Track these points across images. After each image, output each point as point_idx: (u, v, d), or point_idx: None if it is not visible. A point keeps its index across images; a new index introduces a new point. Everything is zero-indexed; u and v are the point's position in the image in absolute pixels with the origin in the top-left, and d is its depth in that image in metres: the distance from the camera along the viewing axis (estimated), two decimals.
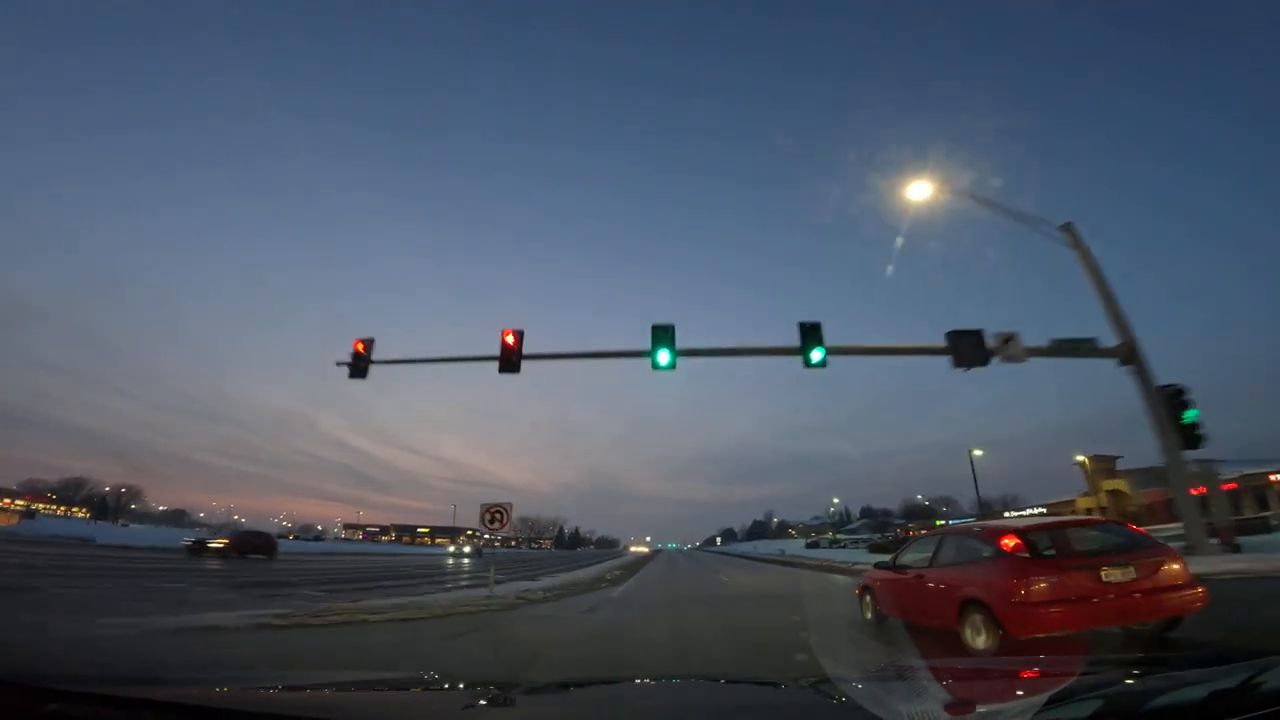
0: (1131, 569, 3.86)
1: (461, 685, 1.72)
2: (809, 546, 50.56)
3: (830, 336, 10.46)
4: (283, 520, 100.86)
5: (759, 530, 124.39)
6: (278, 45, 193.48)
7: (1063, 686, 1.02)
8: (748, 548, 74.39)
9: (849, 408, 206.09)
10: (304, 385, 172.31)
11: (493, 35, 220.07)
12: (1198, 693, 0.96)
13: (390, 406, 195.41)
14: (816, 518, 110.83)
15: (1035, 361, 10.44)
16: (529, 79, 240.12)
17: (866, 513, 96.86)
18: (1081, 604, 3.77)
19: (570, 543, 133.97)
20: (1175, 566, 3.96)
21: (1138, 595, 3.80)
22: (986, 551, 4.32)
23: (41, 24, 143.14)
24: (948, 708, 1.06)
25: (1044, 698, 0.93)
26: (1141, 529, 4.72)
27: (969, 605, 4.22)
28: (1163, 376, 10.09)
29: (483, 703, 1.35)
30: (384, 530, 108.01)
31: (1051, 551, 4.03)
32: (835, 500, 59.93)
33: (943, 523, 52.58)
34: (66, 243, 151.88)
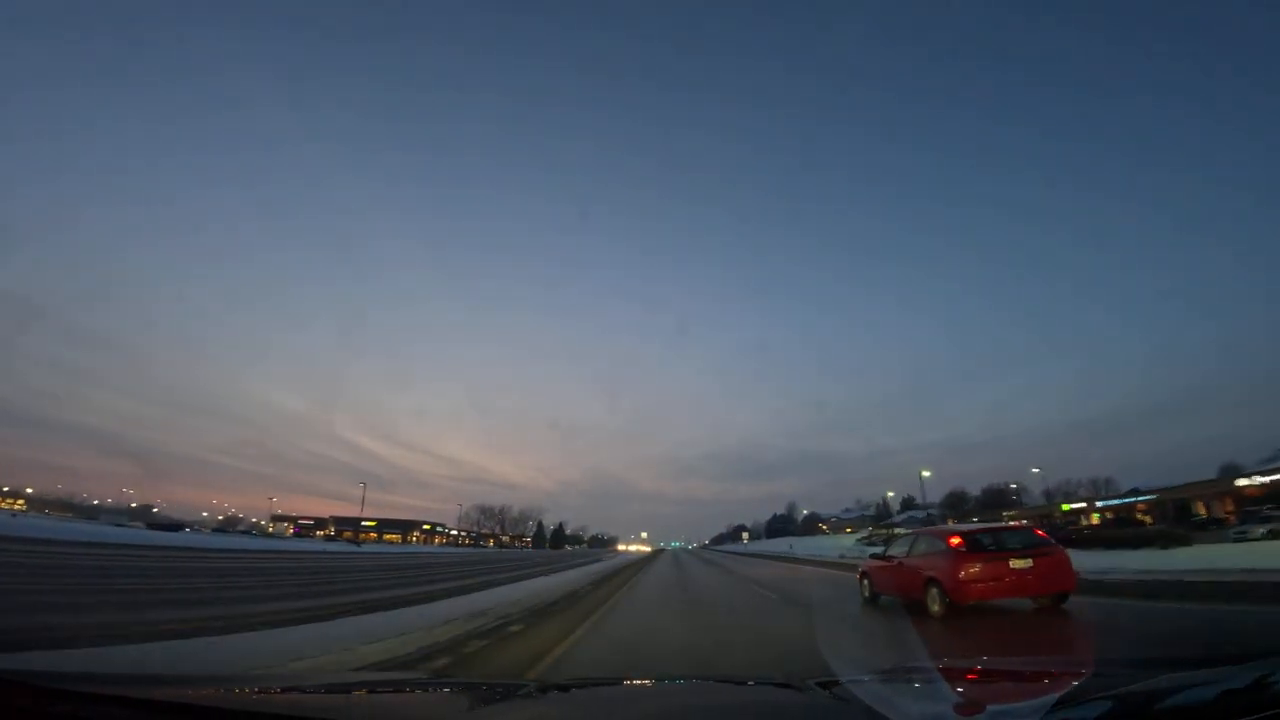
0: (1030, 560, 7.65)
1: (467, 685, 2.14)
2: (881, 544, 53.23)
3: None
4: (216, 514, 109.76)
5: (781, 526, 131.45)
6: (281, 41, 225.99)
7: (1073, 687, 1.31)
8: (780, 546, 68.57)
9: (850, 405, 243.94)
10: (311, 385, 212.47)
11: (501, 34, 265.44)
12: (1208, 692, 1.16)
13: (394, 405, 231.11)
14: (848, 510, 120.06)
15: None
16: (535, 76, 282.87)
17: (910, 505, 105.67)
18: (996, 582, 7.56)
19: (555, 540, 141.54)
20: (1060, 559, 7.76)
21: (1031, 577, 7.59)
22: (941, 546, 8.14)
23: (40, 23, 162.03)
24: (958, 708, 1.36)
25: (1054, 698, 1.17)
26: (1042, 532, 8.55)
27: (929, 582, 8.05)
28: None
29: (490, 703, 1.70)
30: (319, 523, 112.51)
31: (980, 547, 7.83)
32: (925, 473, 55.87)
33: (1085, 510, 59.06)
34: (71, 244, 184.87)
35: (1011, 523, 13.95)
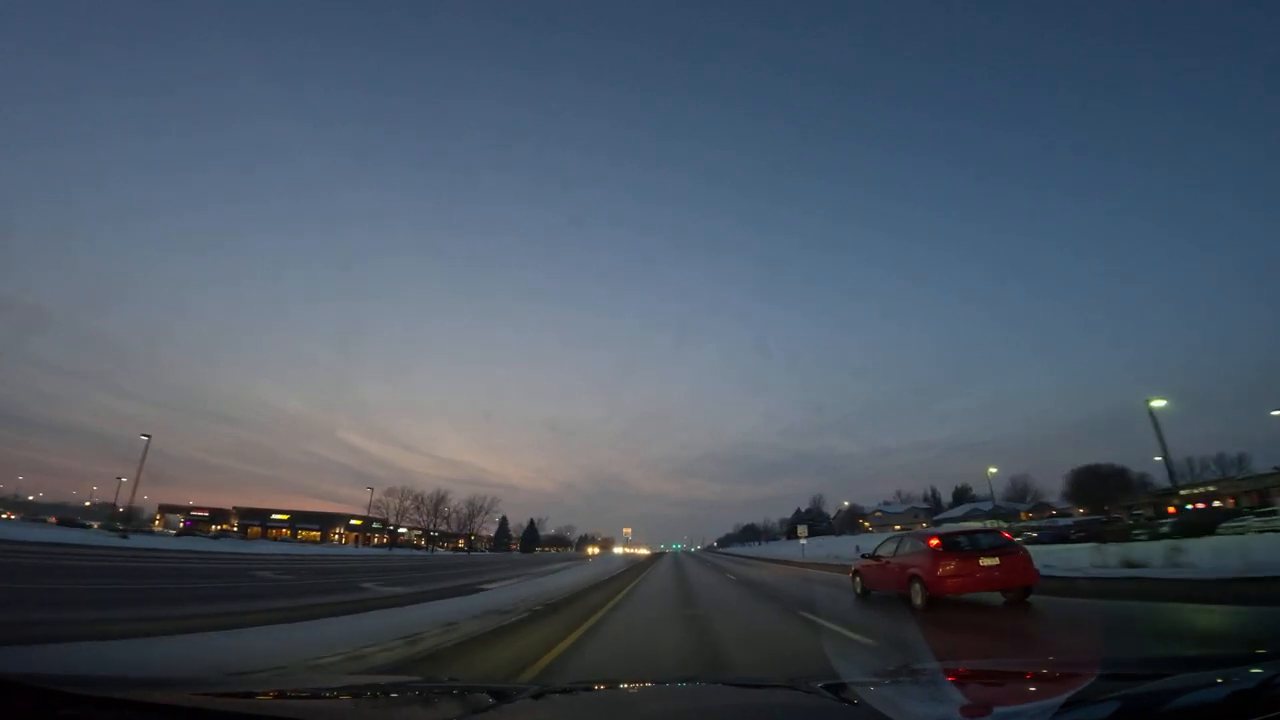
0: (997, 559, 11.38)
1: (466, 688, 2.71)
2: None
3: None
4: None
5: (810, 523, 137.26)
6: (284, 50, 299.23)
7: (1080, 688, 1.64)
8: (837, 548, 57.34)
9: (849, 407, 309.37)
10: (310, 388, 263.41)
11: (500, 43, 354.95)
12: (1216, 693, 1.48)
13: (393, 407, 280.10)
14: (887, 503, 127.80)
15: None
16: (530, 84, 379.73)
17: (963, 496, 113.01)
18: (968, 577, 11.30)
19: (526, 541, 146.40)
20: (1022, 558, 11.50)
21: (998, 574, 11.33)
22: (923, 547, 11.88)
23: (43, 27, 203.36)
24: (964, 710, 1.73)
25: (1061, 699, 1.46)
26: (1008, 534, 12.30)
27: (913, 578, 11.81)
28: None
29: (494, 706, 2.15)
30: (215, 516, 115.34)
31: (955, 547, 11.55)
32: (1165, 412, 49.79)
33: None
34: (80, 249, 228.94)
35: (981, 526, 17.89)
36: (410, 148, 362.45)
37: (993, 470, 76.90)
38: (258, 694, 2.16)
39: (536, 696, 2.39)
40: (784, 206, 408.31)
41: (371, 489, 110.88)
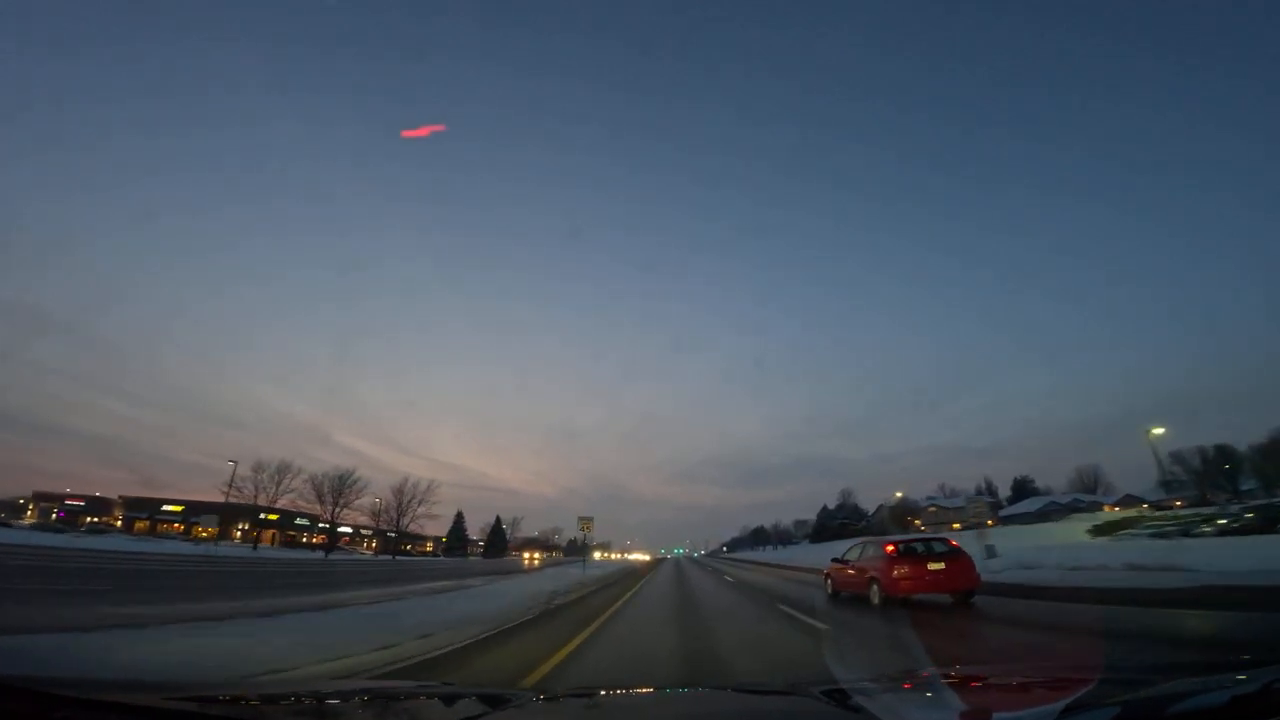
0: (943, 564, 16.74)
1: (473, 693, 3.16)
2: None
3: None
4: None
5: (841, 523, 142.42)
6: (285, 53, 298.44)
7: (1080, 694, 1.99)
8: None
9: (850, 410, 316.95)
10: (310, 391, 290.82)
11: (501, 49, 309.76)
12: (1219, 698, 1.81)
13: (393, 411, 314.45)
14: (931, 497, 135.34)
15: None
16: (537, 84, 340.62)
17: (1023, 488, 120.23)
18: (918, 579, 16.68)
19: (492, 544, 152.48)
20: (965, 563, 16.90)
21: (943, 577, 16.69)
22: (880, 552, 17.34)
23: (46, 32, 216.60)
24: (963, 716, 2.14)
25: (1061, 705, 1.80)
26: (955, 542, 17.71)
27: (871, 580, 17.25)
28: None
29: (493, 710, 2.64)
30: (94, 506, 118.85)
31: (907, 553, 16.99)
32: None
33: None
34: (86, 253, 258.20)
35: (935, 534, 24.11)
36: (411, 151, 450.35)
37: (1157, 430, 56.61)
38: (252, 698, 2.73)
39: (535, 702, 3.07)
40: (786, 210, 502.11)
41: (234, 462, 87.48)
